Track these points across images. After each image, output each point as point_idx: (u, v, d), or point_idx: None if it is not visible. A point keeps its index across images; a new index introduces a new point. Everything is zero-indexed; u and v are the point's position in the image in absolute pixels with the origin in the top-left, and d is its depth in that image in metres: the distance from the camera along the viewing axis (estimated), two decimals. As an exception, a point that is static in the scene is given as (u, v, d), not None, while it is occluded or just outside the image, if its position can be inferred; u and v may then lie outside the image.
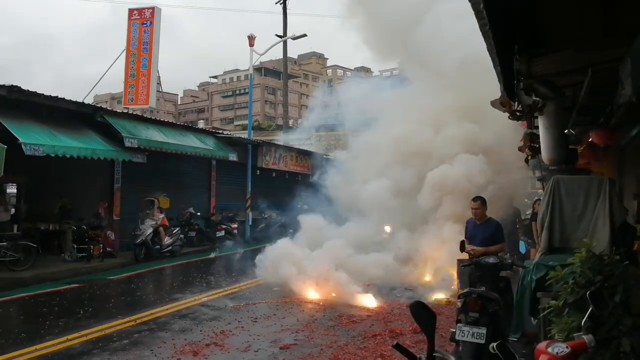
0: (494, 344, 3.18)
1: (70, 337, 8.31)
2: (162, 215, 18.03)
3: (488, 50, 5.91)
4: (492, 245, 7.73)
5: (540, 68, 6.29)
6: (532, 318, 6.45)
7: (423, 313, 3.14)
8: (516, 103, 7.10)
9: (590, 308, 3.42)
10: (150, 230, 17.04)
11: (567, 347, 3.01)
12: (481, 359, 5.52)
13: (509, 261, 7.23)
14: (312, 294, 11.16)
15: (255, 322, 9.37)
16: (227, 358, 7.28)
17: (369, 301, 10.54)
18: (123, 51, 25.79)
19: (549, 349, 3.01)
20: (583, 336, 3.15)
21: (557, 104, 6.96)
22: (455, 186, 12.93)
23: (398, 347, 3.04)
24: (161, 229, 17.57)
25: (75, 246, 15.89)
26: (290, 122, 47.79)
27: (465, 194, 11.90)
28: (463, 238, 8.10)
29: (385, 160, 15.70)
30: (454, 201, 12.87)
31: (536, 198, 12.83)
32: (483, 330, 5.58)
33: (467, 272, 8.60)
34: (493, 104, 7.56)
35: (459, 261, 8.62)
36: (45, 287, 12.59)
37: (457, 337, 5.68)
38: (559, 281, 4.77)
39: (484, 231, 7.93)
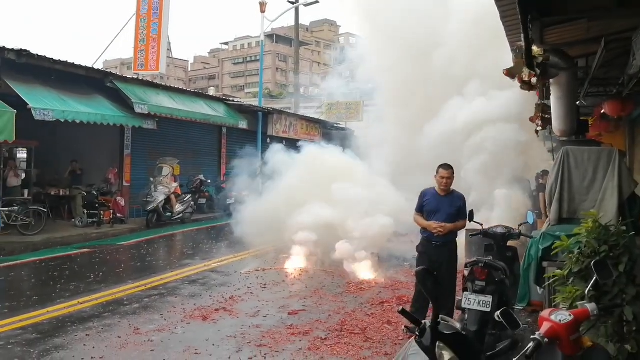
0: (499, 312, 3.22)
1: (81, 300, 8.46)
2: (175, 184, 18.08)
3: (501, 18, 5.85)
4: (457, 220, 6.88)
5: (553, 38, 6.22)
6: (538, 287, 6.51)
7: (429, 279, 3.18)
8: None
9: (595, 277, 3.44)
10: (162, 198, 17.13)
11: (569, 315, 3.04)
12: (486, 326, 5.58)
13: (517, 231, 7.24)
14: (318, 262, 11.20)
15: (265, 288, 9.47)
16: (236, 323, 7.39)
17: (377, 270, 10.55)
18: (133, 16, 25.59)
19: (552, 317, 3.04)
20: (586, 304, 3.18)
21: (569, 75, 6.90)
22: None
23: (404, 312, 3.09)
24: (172, 196, 17.65)
25: (85, 211, 16.04)
26: (302, 90, 47.56)
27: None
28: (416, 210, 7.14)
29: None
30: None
31: (541, 170, 12.74)
32: (489, 299, 5.62)
33: (475, 242, 8.63)
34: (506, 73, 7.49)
35: (467, 231, 8.54)
36: (55, 252, 12.78)
37: (463, 305, 5.73)
38: (565, 251, 4.80)
39: (450, 204, 6.88)
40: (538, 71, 6.18)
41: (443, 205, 6.86)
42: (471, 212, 7.27)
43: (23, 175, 16.31)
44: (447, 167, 6.89)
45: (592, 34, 6.03)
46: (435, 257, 6.82)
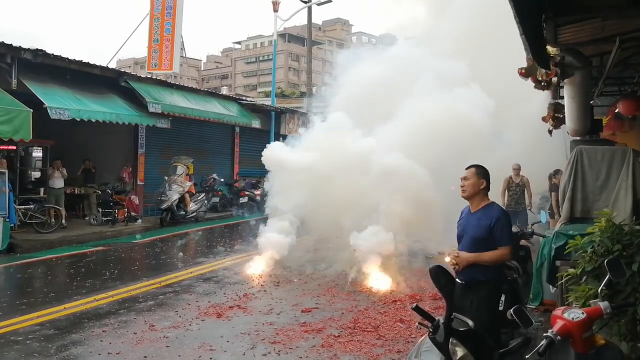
0: (511, 310, 3.25)
1: (97, 297, 8.56)
2: (189, 183, 18.18)
3: (515, 17, 5.85)
4: (485, 247, 4.58)
5: (567, 37, 6.23)
6: (550, 286, 6.51)
7: (442, 277, 3.22)
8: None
9: (608, 276, 3.45)
10: (176, 197, 17.25)
11: (582, 313, 3.06)
12: (499, 325, 5.58)
13: (530, 230, 7.24)
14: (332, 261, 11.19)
15: (278, 286, 9.53)
16: (250, 320, 7.44)
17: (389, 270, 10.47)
18: (147, 15, 25.71)
19: (565, 315, 3.06)
20: (599, 303, 3.20)
21: (583, 74, 6.90)
22: None
23: (417, 309, 3.13)
24: (187, 195, 17.77)
25: (100, 210, 16.19)
26: (314, 89, 47.46)
27: None
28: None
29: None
30: None
31: (554, 170, 12.65)
32: (502, 297, 5.63)
33: None
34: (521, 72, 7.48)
35: None
36: (71, 250, 12.91)
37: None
38: (578, 250, 4.81)
39: (477, 224, 4.68)
40: (558, 70, 6.17)
41: (469, 225, 4.79)
42: None
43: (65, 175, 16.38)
44: (469, 166, 4.91)
45: (607, 33, 6.03)
46: (458, 300, 4.36)
